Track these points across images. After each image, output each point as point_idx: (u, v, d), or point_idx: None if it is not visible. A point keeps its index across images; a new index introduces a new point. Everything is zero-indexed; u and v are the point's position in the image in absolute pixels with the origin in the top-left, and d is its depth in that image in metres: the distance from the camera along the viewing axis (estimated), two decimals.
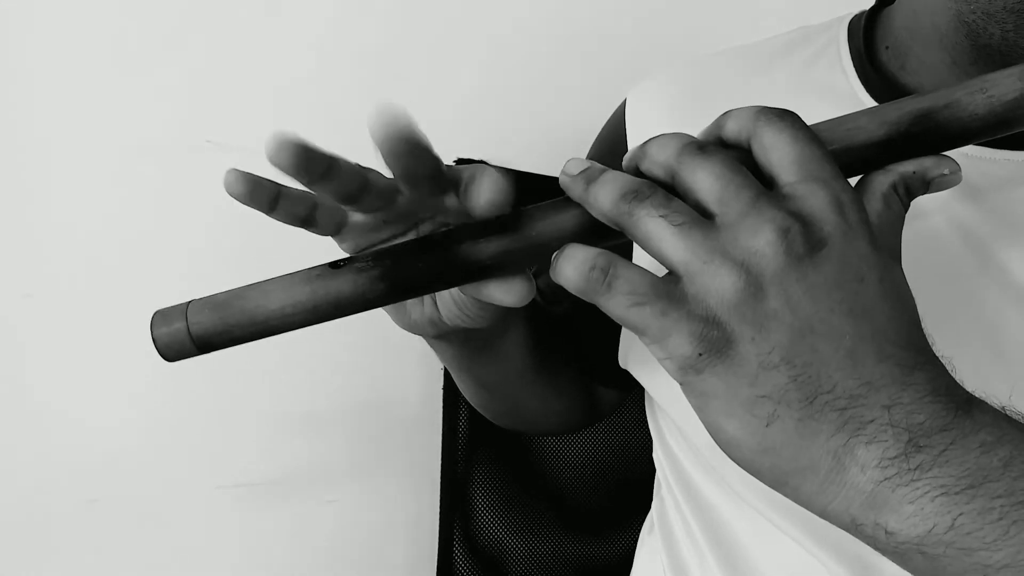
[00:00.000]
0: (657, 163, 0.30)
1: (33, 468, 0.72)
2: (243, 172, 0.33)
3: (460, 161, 0.66)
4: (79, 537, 0.74)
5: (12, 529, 0.72)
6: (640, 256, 0.49)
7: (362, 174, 0.34)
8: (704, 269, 0.27)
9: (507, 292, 0.34)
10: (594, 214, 0.30)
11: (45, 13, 0.69)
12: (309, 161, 0.31)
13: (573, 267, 0.29)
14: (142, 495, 0.75)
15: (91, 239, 0.72)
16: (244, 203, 0.33)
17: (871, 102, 0.44)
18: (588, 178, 0.30)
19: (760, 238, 0.26)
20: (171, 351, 0.32)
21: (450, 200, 0.35)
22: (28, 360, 0.71)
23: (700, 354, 0.27)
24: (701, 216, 0.28)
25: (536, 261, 0.33)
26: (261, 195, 0.33)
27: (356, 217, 0.37)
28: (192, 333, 0.32)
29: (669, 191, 0.29)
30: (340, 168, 0.32)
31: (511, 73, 0.78)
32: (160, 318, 0.33)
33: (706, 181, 0.28)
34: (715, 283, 0.26)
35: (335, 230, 0.37)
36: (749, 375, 0.26)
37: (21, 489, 0.72)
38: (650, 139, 0.31)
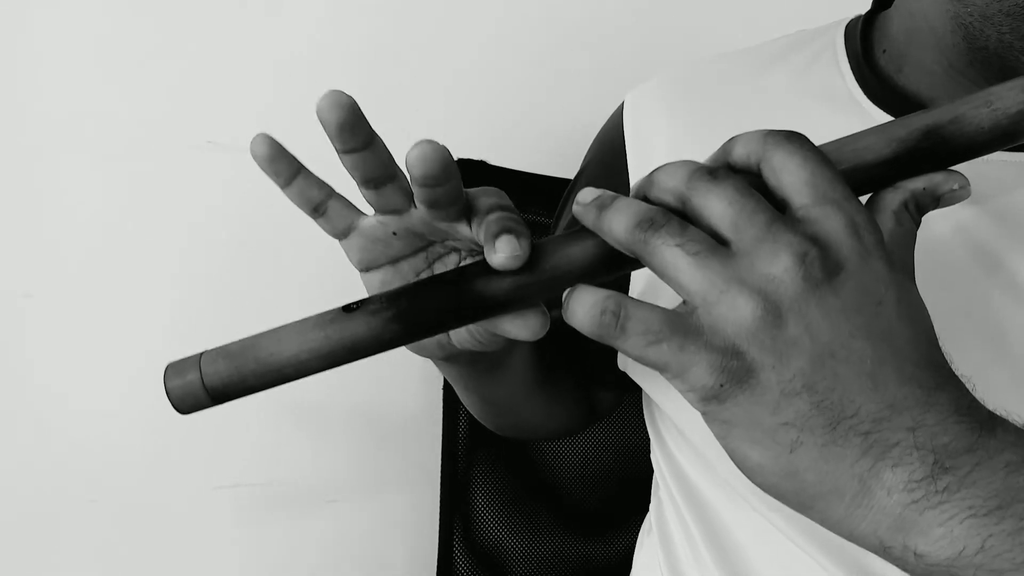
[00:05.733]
0: (667, 190, 0.30)
1: (33, 468, 0.72)
2: (270, 137, 0.33)
3: (460, 161, 0.66)
4: (79, 537, 0.74)
5: (12, 529, 0.72)
6: (635, 282, 0.49)
7: (393, 163, 0.33)
8: (722, 299, 0.26)
9: (522, 327, 0.33)
10: (608, 242, 0.30)
11: (45, 13, 0.69)
12: (355, 126, 0.31)
13: (584, 311, 0.29)
14: (142, 495, 0.75)
15: (92, 239, 0.72)
16: (263, 167, 0.34)
17: (869, 104, 0.45)
18: (601, 206, 0.30)
19: (778, 264, 0.26)
20: (185, 404, 0.32)
21: (462, 226, 0.35)
22: (28, 360, 0.71)
23: (722, 384, 0.27)
24: (716, 243, 0.28)
25: (551, 294, 0.32)
26: (281, 165, 0.34)
27: (366, 222, 0.36)
28: (206, 384, 0.31)
29: (681, 219, 0.29)
30: (377, 146, 0.32)
31: (511, 73, 0.78)
32: (173, 370, 0.32)
33: (719, 207, 0.28)
34: (733, 312, 0.26)
35: (343, 231, 0.37)
36: (771, 403, 0.26)
37: (21, 489, 0.72)
38: (657, 168, 0.31)
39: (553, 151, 0.77)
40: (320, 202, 0.35)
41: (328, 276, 0.65)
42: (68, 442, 0.72)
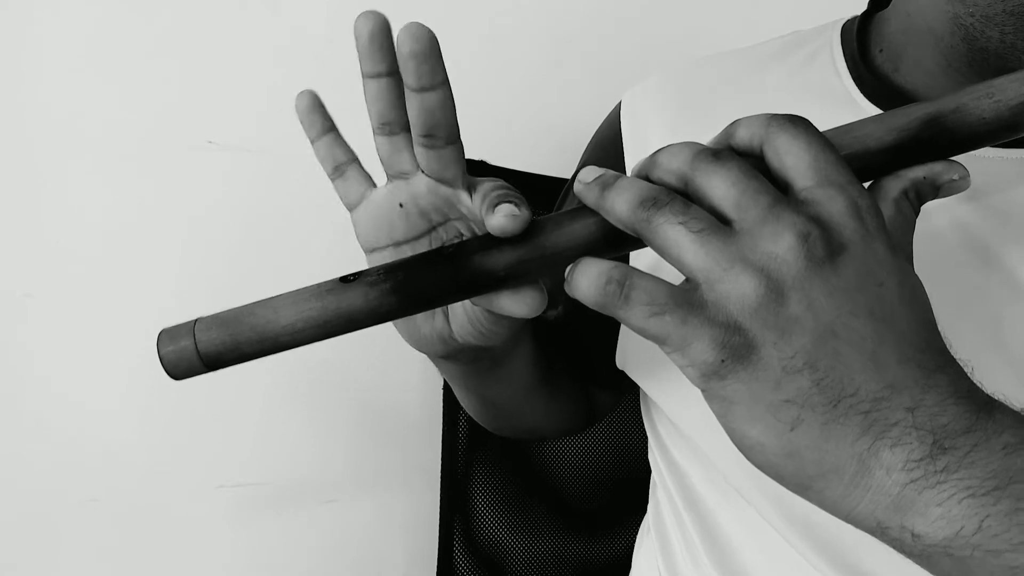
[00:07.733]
0: (670, 171, 0.30)
1: (34, 468, 0.72)
2: (313, 92, 0.36)
3: None
4: (79, 537, 0.74)
5: (12, 529, 0.72)
6: (638, 261, 0.49)
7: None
8: (724, 276, 0.27)
9: (519, 303, 0.33)
10: (611, 221, 0.30)
11: (45, 12, 0.69)
12: (385, 44, 0.34)
13: (588, 281, 0.29)
14: (143, 495, 0.75)
15: (92, 239, 0.72)
16: (301, 117, 0.37)
17: (865, 102, 0.45)
18: (603, 184, 0.30)
19: (780, 243, 0.26)
20: (178, 369, 0.32)
21: (464, 202, 0.35)
22: (28, 361, 0.71)
23: (723, 360, 0.27)
24: (719, 222, 0.28)
25: (550, 271, 0.32)
26: (317, 118, 0.37)
27: (377, 192, 0.37)
28: (200, 350, 0.31)
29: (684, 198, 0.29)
30: (399, 81, 0.34)
31: (511, 73, 0.78)
32: (167, 336, 0.32)
33: (722, 187, 0.28)
34: (736, 289, 0.26)
35: (356, 200, 0.38)
36: (772, 380, 0.26)
37: (22, 489, 0.72)
38: (660, 149, 0.31)
39: (553, 151, 0.77)
40: (342, 163, 0.38)
41: (328, 277, 0.65)
42: (68, 441, 0.72)
